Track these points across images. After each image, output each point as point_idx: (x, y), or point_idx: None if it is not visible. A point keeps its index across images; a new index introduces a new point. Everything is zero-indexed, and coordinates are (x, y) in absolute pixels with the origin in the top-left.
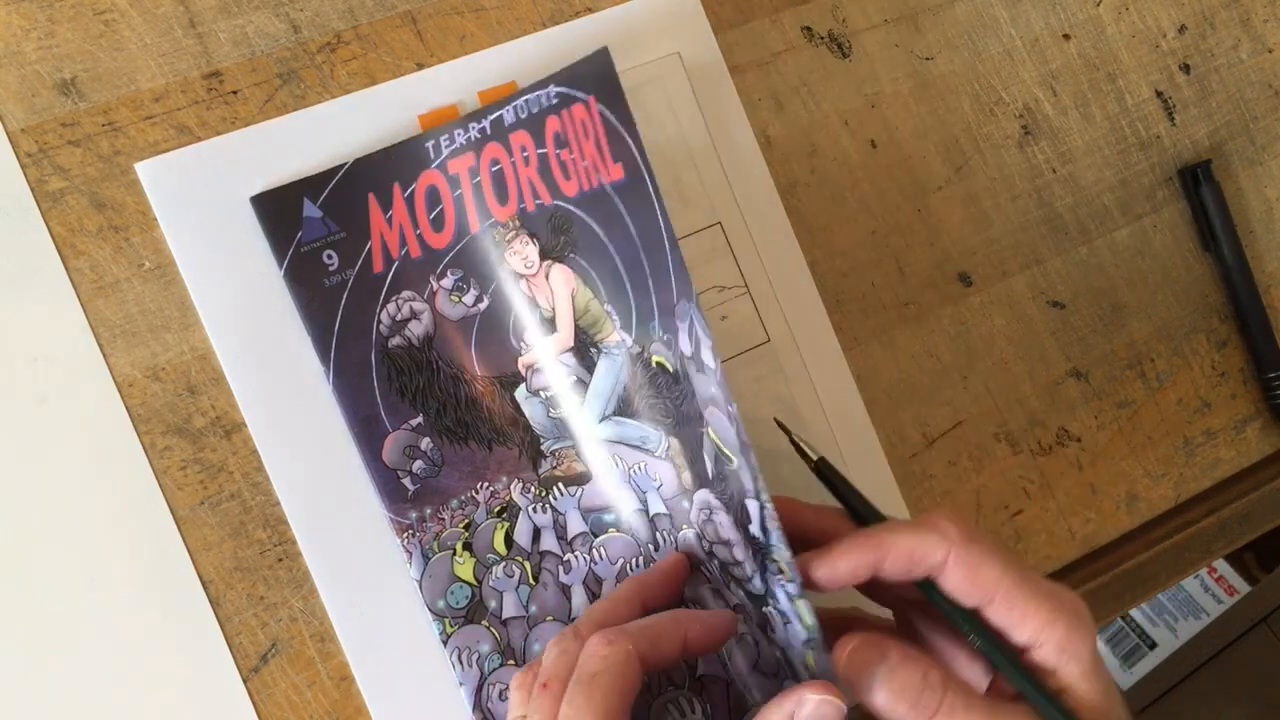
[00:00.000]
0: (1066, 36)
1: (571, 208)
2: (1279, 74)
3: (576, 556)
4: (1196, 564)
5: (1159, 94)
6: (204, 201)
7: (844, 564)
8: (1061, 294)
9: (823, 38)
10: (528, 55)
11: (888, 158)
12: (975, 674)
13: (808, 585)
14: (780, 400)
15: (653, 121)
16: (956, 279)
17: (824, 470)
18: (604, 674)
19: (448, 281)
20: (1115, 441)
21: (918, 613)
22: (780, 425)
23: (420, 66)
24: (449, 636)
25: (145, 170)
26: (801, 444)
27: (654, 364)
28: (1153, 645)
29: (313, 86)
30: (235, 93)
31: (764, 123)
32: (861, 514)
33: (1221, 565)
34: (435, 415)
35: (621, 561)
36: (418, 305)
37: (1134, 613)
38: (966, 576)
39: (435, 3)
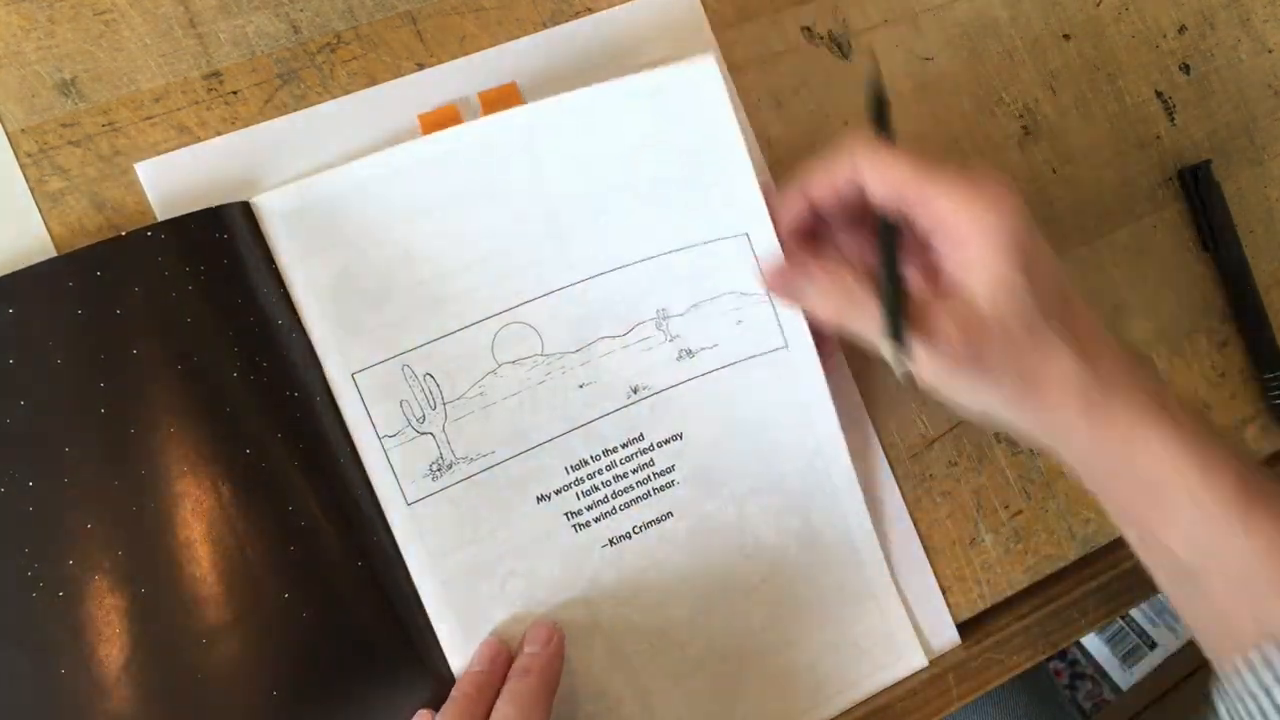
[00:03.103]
0: (1066, 36)
1: None
2: (1279, 74)
3: None
4: None
5: (1159, 94)
6: (204, 201)
7: (783, 202)
8: None
9: (823, 38)
10: (528, 55)
11: None
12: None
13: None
14: (792, 409)
15: (675, 123)
16: None
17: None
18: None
19: None
20: None
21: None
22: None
23: (420, 66)
24: None
25: (145, 170)
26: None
27: None
28: (1153, 645)
29: (313, 86)
30: (235, 93)
31: (764, 123)
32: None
33: None
34: None
35: None
36: None
37: (1134, 613)
38: (876, 182)
39: (435, 3)
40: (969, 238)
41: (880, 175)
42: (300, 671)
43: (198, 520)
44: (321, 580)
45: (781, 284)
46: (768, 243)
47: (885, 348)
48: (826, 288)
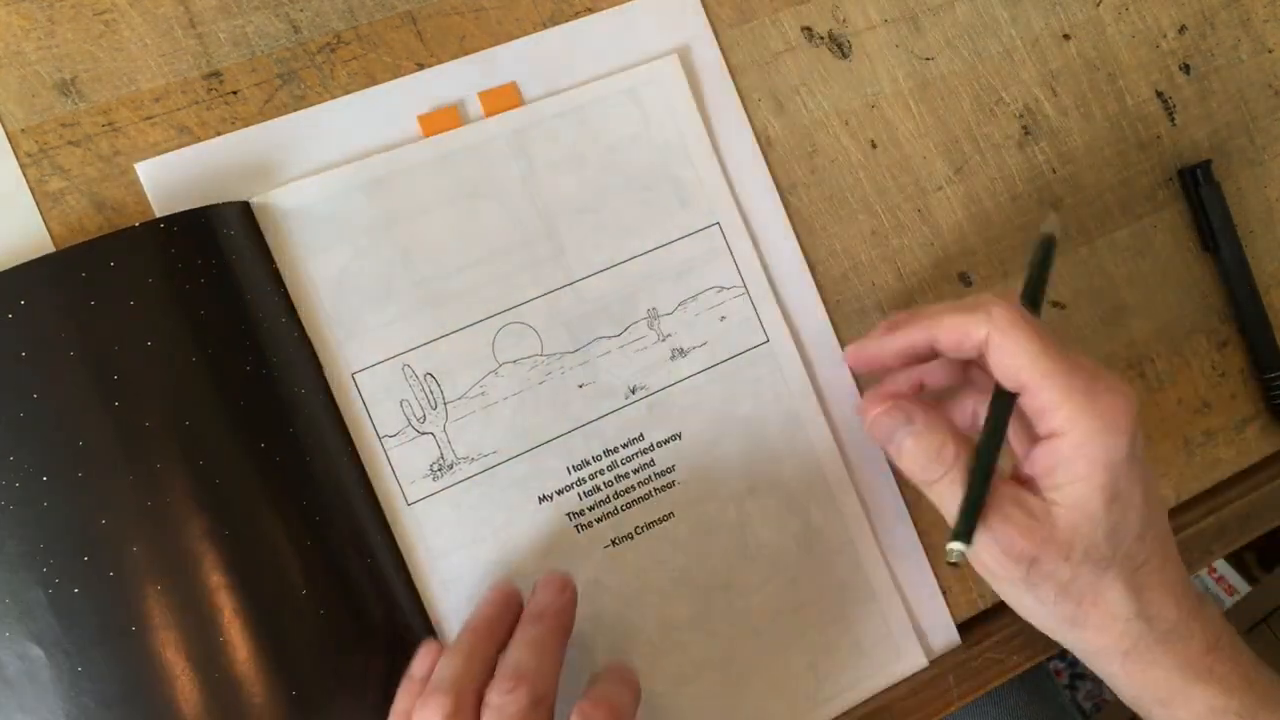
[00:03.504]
0: (1066, 36)
1: None
2: (1279, 74)
3: None
4: (1196, 564)
5: (1159, 94)
6: (203, 201)
7: (902, 333)
8: (1061, 294)
9: (823, 38)
10: (528, 55)
11: (888, 158)
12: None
13: (867, 358)
14: (779, 401)
15: (652, 122)
16: (957, 279)
17: (1047, 248)
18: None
19: None
20: None
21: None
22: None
23: (420, 66)
24: None
25: (145, 170)
26: (1051, 231)
27: None
28: None
29: (313, 86)
30: (235, 93)
31: (764, 123)
32: (1033, 297)
33: (1221, 565)
34: None
35: None
36: None
37: None
38: (1001, 359)
39: (435, 3)
40: (1071, 449)
41: (1009, 355)
42: (318, 670)
43: (215, 515)
44: (337, 578)
45: (876, 418)
46: (738, 230)
47: (949, 531)
48: (921, 442)
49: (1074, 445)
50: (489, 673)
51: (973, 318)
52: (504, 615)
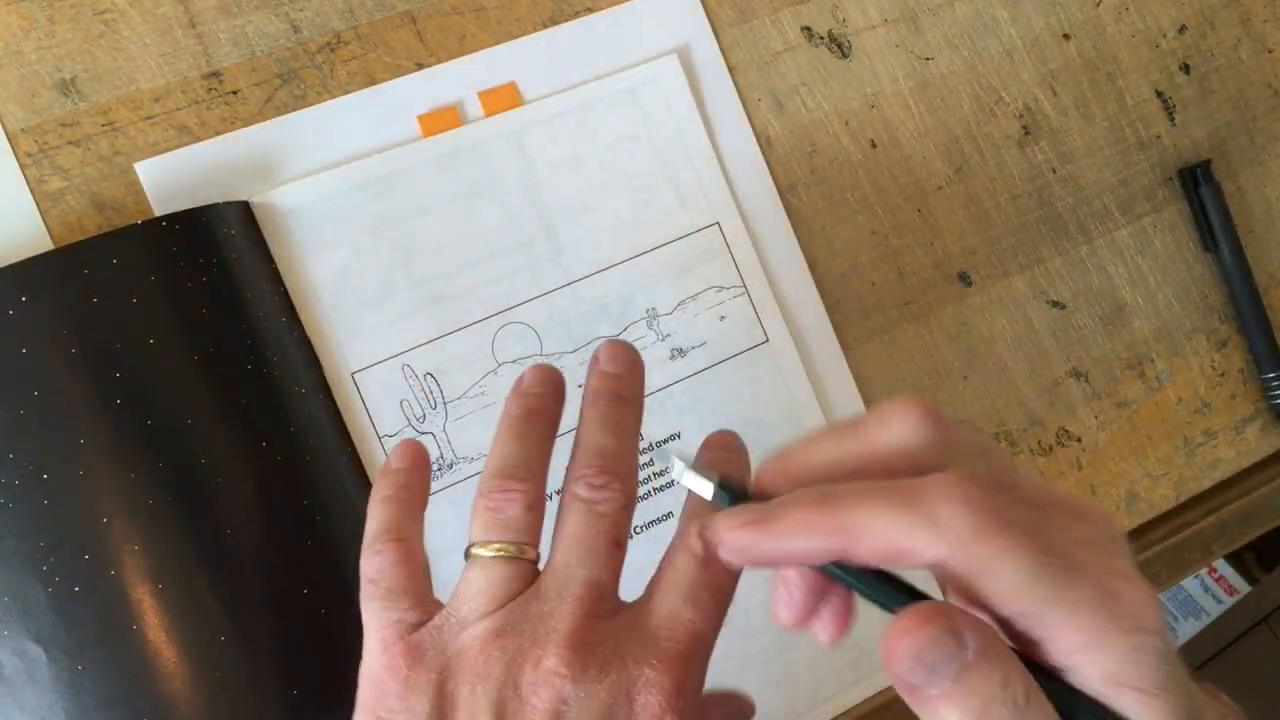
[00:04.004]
0: (1066, 36)
1: None
2: (1279, 74)
3: None
4: (1196, 564)
5: (1159, 94)
6: (203, 201)
7: (792, 540)
8: (1061, 294)
9: (823, 38)
10: (528, 55)
11: (888, 158)
12: None
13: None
14: (778, 400)
15: (652, 122)
16: (956, 279)
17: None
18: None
19: None
20: (1115, 441)
21: None
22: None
23: (420, 66)
24: None
25: (145, 170)
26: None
27: None
28: None
29: (313, 86)
30: (235, 93)
31: (764, 123)
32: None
33: (1221, 565)
34: None
35: None
36: None
37: None
38: (971, 585)
39: (435, 3)
40: (1103, 684)
41: (988, 580)
42: (319, 670)
43: (218, 515)
44: (338, 577)
45: (905, 649)
46: (738, 230)
47: None
48: (978, 690)
49: (1105, 678)
50: (549, 460)
51: (914, 526)
52: (552, 401)
